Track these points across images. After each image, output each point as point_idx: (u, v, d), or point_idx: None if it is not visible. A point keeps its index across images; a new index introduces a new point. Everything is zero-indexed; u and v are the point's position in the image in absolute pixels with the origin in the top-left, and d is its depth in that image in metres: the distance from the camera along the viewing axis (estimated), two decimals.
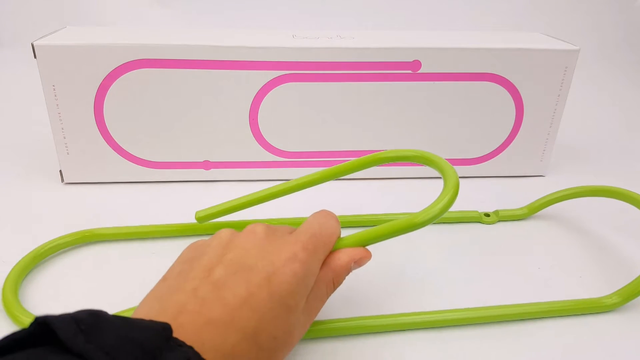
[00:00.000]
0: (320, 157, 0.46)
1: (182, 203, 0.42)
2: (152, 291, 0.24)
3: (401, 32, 0.46)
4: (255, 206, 0.35)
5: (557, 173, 0.50)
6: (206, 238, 0.31)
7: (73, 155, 0.43)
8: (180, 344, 0.19)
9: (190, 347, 0.19)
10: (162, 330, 0.19)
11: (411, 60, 0.42)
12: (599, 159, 0.54)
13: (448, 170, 0.28)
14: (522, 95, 0.45)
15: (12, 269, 0.32)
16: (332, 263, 0.26)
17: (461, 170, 0.48)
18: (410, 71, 0.42)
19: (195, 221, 0.35)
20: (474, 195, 0.45)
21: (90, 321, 0.17)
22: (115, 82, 0.40)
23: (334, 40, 0.42)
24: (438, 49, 0.42)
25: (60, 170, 0.44)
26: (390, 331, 0.30)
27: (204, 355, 0.20)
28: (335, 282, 0.26)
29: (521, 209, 0.42)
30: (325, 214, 0.28)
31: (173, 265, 0.26)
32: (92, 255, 0.36)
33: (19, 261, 0.33)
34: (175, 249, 0.34)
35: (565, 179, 0.49)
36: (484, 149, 0.47)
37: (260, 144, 0.44)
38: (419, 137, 0.45)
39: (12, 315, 0.29)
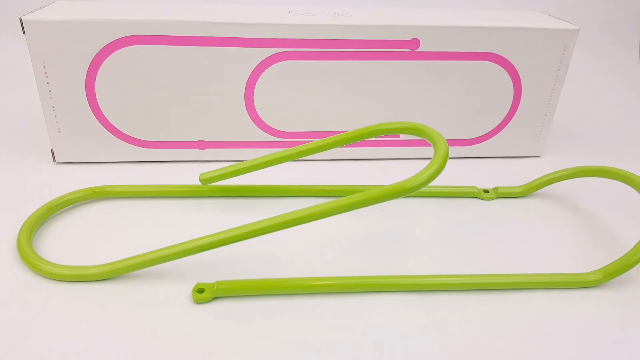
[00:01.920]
0: (316, 137, 0.45)
1: (176, 183, 0.41)
2: None
3: (400, 9, 0.45)
4: (257, 171, 0.37)
5: (553, 154, 0.50)
6: (209, 200, 0.39)
7: (65, 135, 0.42)
8: None
9: None
10: None
11: (410, 38, 0.41)
12: (595, 140, 0.54)
13: (438, 139, 0.29)
14: (520, 74, 0.44)
15: (27, 219, 0.34)
16: None
17: (458, 150, 0.48)
18: (408, 50, 0.42)
19: (199, 183, 0.38)
20: (470, 175, 0.45)
21: None
22: (107, 59, 0.39)
23: (332, 18, 0.41)
24: (437, 27, 0.41)
25: (52, 150, 0.43)
26: (378, 291, 0.31)
27: None
28: None
29: (520, 187, 0.42)
30: None
31: None
32: (101, 210, 0.38)
33: (33, 212, 0.35)
34: (178, 209, 0.38)
35: (561, 159, 0.48)
36: (481, 129, 0.47)
37: (256, 124, 0.44)
38: (416, 116, 0.45)
39: (26, 260, 0.31)
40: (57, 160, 0.43)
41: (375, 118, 0.44)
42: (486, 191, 0.42)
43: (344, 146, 0.39)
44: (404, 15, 0.43)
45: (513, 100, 0.45)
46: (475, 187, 0.42)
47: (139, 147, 0.43)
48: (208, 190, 0.39)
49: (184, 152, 0.44)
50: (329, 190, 0.40)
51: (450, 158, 0.47)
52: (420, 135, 0.32)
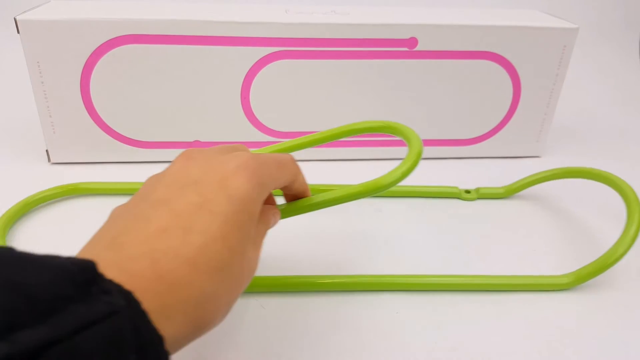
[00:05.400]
0: None
1: None
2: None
3: (398, 8, 0.45)
4: None
5: (553, 154, 0.49)
6: None
7: (60, 135, 0.42)
8: (107, 290, 0.14)
9: (128, 293, 0.15)
10: (80, 271, 0.14)
11: (408, 37, 0.41)
12: (595, 140, 0.53)
13: (412, 137, 0.29)
14: (519, 74, 0.44)
15: (1, 216, 0.34)
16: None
17: (457, 151, 0.47)
18: (406, 49, 0.41)
19: None
20: (468, 176, 0.44)
21: None
22: (102, 59, 0.39)
23: (329, 16, 0.41)
24: (435, 26, 0.41)
25: (47, 150, 0.42)
26: (357, 290, 0.31)
27: (160, 265, 0.16)
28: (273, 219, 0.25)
29: (502, 187, 0.41)
30: (284, 156, 0.24)
31: None
32: (77, 206, 0.38)
33: (8, 210, 0.35)
34: None
35: (560, 160, 0.48)
36: (480, 129, 0.46)
37: (252, 123, 0.43)
38: (414, 116, 0.45)
39: None
40: (52, 160, 0.43)
41: (372, 117, 0.44)
42: (467, 192, 0.41)
43: (322, 146, 0.38)
44: (401, 14, 0.43)
45: (512, 99, 0.45)
46: (457, 188, 0.41)
47: (134, 147, 0.43)
48: None
49: (180, 152, 0.44)
50: None
51: (450, 158, 0.47)
52: (395, 134, 0.31)
